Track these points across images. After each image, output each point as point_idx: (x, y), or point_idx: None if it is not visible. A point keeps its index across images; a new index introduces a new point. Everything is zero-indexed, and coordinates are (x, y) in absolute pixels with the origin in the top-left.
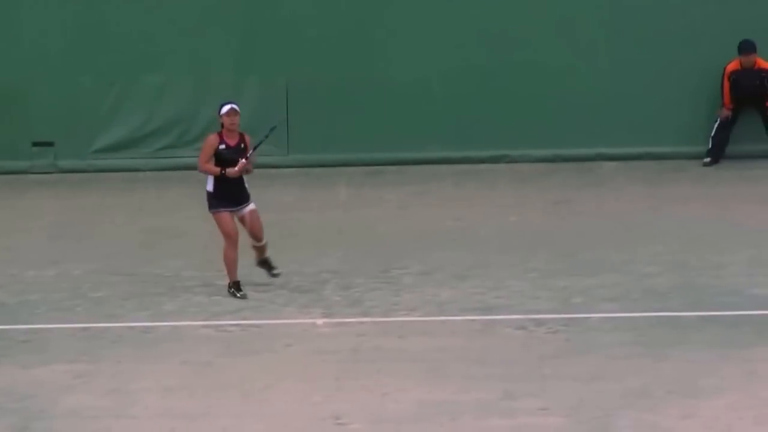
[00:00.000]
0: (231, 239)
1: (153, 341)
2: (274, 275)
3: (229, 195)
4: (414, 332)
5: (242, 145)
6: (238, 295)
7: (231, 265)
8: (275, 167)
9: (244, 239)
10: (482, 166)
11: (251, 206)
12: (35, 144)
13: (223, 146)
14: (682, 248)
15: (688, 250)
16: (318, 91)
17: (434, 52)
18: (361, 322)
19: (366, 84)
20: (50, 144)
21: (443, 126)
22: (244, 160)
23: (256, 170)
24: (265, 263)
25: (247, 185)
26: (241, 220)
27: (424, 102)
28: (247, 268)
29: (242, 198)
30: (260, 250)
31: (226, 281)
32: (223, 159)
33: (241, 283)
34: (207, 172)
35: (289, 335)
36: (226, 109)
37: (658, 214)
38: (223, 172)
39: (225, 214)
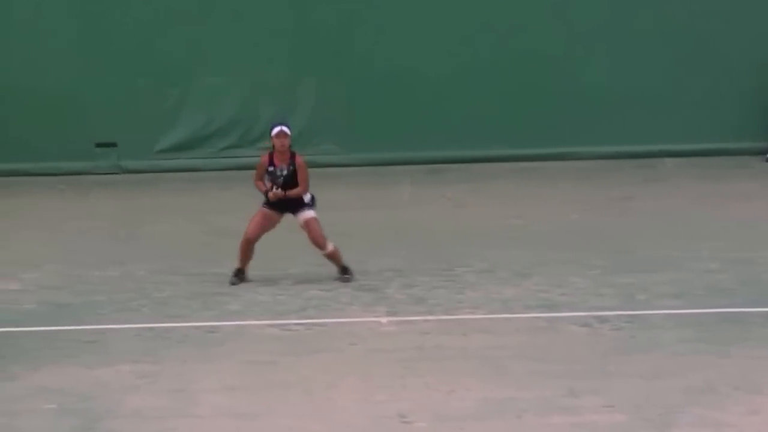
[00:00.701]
0: (246, 237)
1: (218, 341)
2: (344, 279)
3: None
4: (478, 330)
5: (291, 167)
6: (230, 280)
7: (240, 252)
8: (337, 166)
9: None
10: (544, 164)
11: (308, 214)
12: (98, 145)
13: (271, 168)
14: (745, 245)
15: (751, 246)
16: (379, 90)
17: (495, 49)
18: (425, 320)
19: (427, 82)
20: (113, 145)
21: (505, 123)
22: (275, 189)
23: (318, 170)
24: (340, 269)
25: (307, 197)
26: (301, 227)
27: (486, 99)
28: (312, 267)
29: (290, 206)
30: (332, 258)
31: None
32: (273, 178)
33: (242, 272)
34: (258, 189)
35: (353, 334)
36: (275, 131)
37: (720, 210)
38: (267, 194)
39: (260, 214)
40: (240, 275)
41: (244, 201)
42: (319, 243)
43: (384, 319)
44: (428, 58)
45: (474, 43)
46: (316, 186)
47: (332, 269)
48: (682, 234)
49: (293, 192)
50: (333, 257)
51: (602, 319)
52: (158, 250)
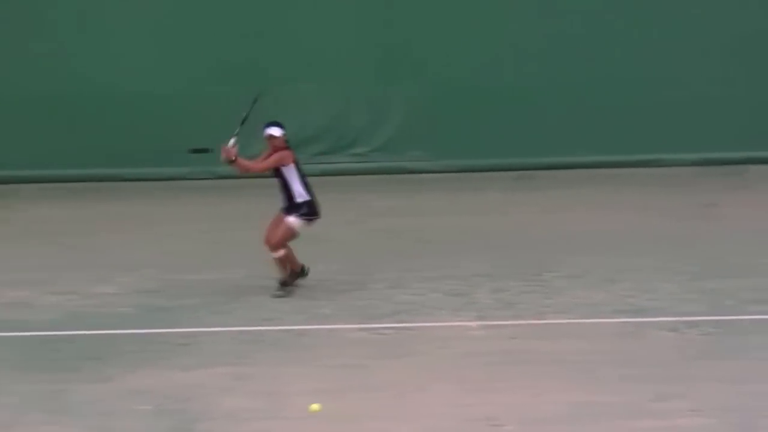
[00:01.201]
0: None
1: (309, 344)
2: (276, 294)
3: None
4: (566, 334)
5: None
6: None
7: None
8: (425, 173)
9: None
10: (630, 170)
11: (288, 218)
12: (193, 150)
13: None
14: None
15: None
16: (467, 96)
17: (582, 58)
18: (514, 325)
19: (514, 88)
20: (207, 150)
21: (592, 130)
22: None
23: (406, 176)
24: (280, 281)
25: (298, 199)
26: None
27: (574, 106)
28: (403, 272)
29: (284, 205)
30: (278, 265)
31: None
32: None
33: (300, 272)
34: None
35: (443, 338)
36: (264, 132)
37: None
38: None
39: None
40: (300, 275)
41: (335, 206)
42: (271, 242)
43: (473, 324)
44: (515, 66)
45: (560, 53)
46: (403, 191)
47: (421, 275)
48: None
49: (248, 163)
50: (278, 264)
51: (690, 324)
52: (250, 254)
